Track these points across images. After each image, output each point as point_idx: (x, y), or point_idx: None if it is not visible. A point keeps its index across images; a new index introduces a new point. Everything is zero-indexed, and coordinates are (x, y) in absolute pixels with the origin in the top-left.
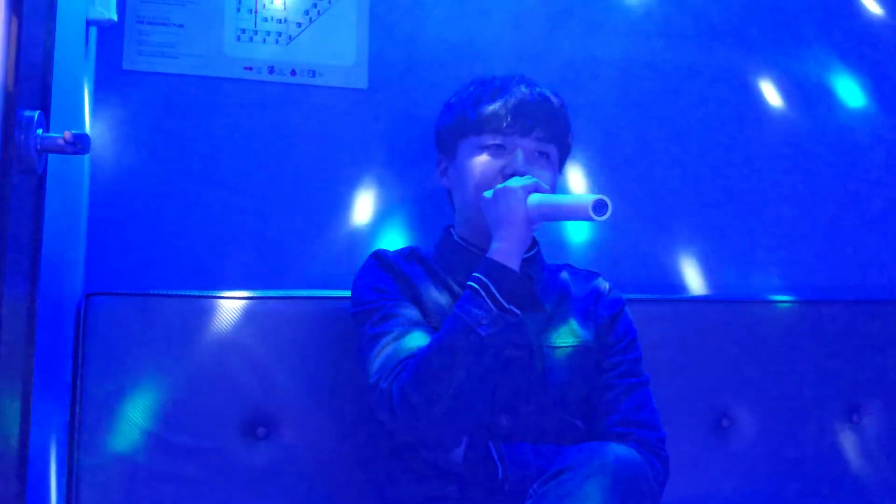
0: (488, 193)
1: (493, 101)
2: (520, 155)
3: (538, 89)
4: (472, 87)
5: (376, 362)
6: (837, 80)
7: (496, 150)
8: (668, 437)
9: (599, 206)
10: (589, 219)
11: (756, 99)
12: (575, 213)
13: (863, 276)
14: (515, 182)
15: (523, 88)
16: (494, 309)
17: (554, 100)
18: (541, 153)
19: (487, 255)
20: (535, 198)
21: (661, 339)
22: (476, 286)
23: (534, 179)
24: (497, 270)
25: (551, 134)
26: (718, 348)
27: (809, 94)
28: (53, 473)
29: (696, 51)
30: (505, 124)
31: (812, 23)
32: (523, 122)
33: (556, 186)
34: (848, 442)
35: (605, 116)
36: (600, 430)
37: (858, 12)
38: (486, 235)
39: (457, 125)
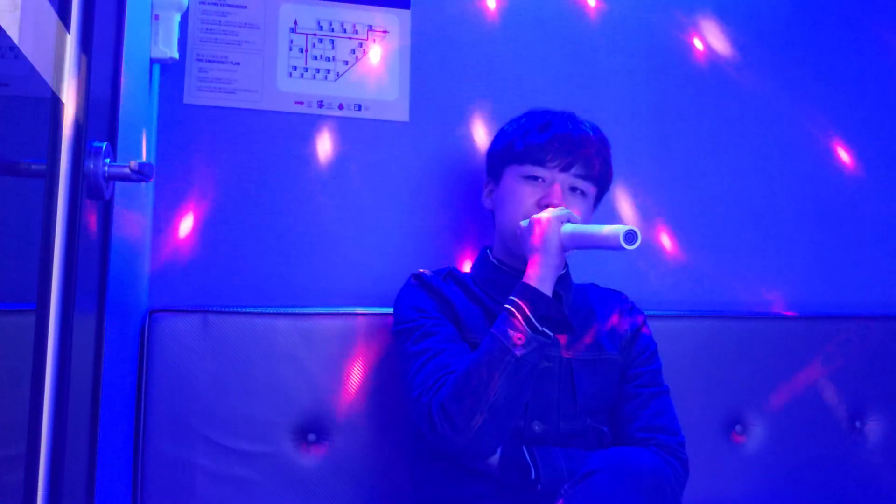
0: (524, 222)
1: (539, 134)
2: (557, 188)
3: (583, 128)
4: (523, 119)
5: (417, 377)
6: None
7: (536, 181)
8: (686, 442)
9: (630, 237)
10: (619, 248)
11: (772, 120)
12: (606, 242)
13: (865, 294)
14: (550, 213)
15: (569, 126)
16: (529, 331)
17: (596, 140)
18: (577, 189)
19: (523, 279)
20: (568, 227)
21: (679, 351)
22: (512, 308)
23: (567, 210)
24: (531, 294)
25: (589, 172)
26: (732, 360)
27: (820, 118)
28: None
29: (715, 74)
30: (546, 158)
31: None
32: (564, 158)
33: (590, 221)
34: (851, 447)
35: (629, 141)
36: (625, 435)
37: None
38: (520, 258)
39: (504, 152)
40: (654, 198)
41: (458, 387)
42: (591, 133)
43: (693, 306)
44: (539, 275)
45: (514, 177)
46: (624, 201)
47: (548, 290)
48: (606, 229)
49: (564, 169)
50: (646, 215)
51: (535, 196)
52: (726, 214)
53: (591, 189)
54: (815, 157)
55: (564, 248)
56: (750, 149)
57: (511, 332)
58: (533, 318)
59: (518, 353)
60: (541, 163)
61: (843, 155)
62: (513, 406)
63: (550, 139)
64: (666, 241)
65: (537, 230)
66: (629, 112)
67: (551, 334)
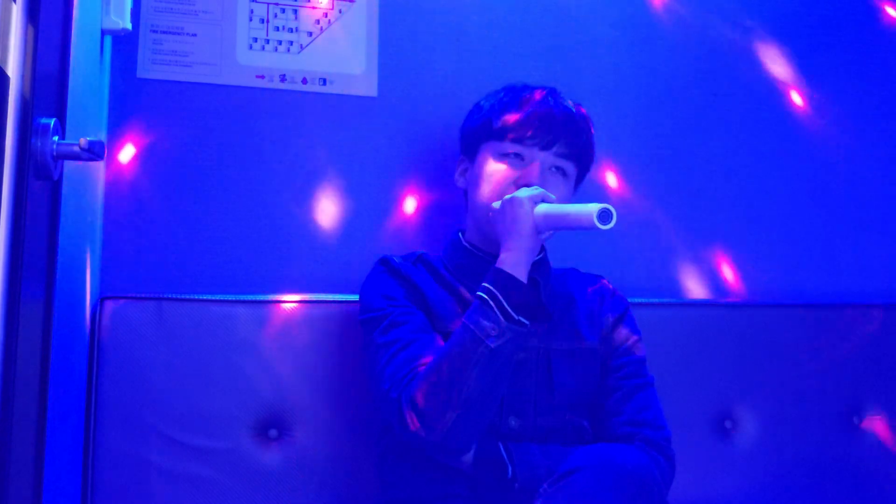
0: (496, 204)
1: (519, 110)
2: (536, 167)
3: (565, 105)
4: (502, 94)
5: (387, 371)
6: (845, 85)
7: (514, 160)
8: (673, 437)
9: (604, 215)
10: (594, 228)
11: (762, 105)
12: (580, 223)
13: (864, 281)
14: (523, 193)
15: (550, 101)
16: (503, 320)
17: (579, 117)
18: (557, 168)
19: (496, 265)
20: (542, 208)
21: (665, 341)
22: (485, 296)
23: (541, 190)
24: (505, 280)
25: (571, 151)
26: (722, 351)
27: (816, 100)
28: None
29: (703, 55)
30: (527, 135)
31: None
32: (545, 135)
33: (570, 203)
34: (848, 443)
35: (611, 120)
36: (607, 430)
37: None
38: (494, 241)
39: (481, 128)
40: (639, 179)
41: (430, 380)
42: (573, 110)
43: (680, 293)
44: (513, 259)
45: (491, 154)
46: (608, 182)
47: (522, 275)
48: (580, 208)
49: (545, 147)
50: (631, 197)
51: (511, 175)
52: (716, 197)
53: (572, 169)
54: (812, 142)
55: (539, 231)
56: (744, 131)
57: (484, 322)
58: (507, 307)
59: (492, 345)
60: (519, 140)
61: (842, 139)
62: (487, 400)
63: (530, 115)
64: (651, 224)
65: (510, 211)
66: (612, 88)
67: (527, 323)
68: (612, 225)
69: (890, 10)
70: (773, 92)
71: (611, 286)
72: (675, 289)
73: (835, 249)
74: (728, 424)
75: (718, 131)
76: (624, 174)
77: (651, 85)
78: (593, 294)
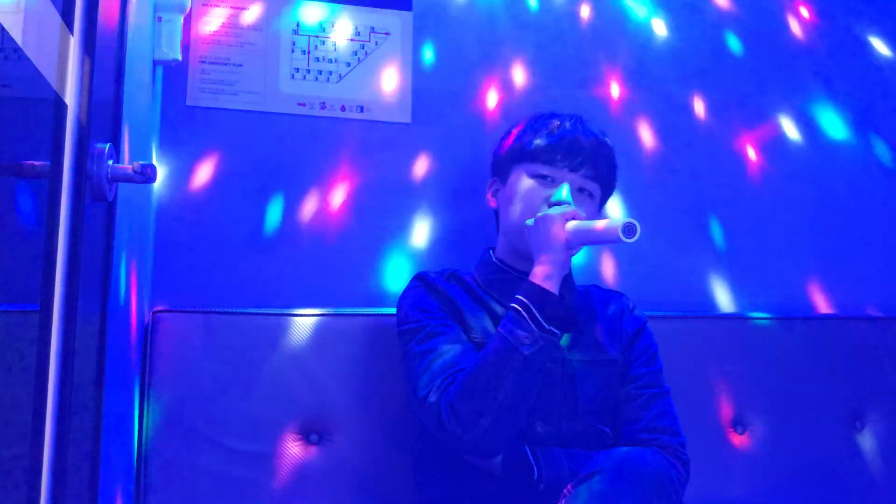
0: (530, 221)
1: (550, 135)
2: (566, 187)
3: (592, 131)
4: (532, 121)
5: (424, 377)
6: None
7: (545, 180)
8: (687, 442)
9: (628, 229)
10: (620, 241)
11: (776, 126)
12: (607, 237)
13: (867, 296)
14: (555, 210)
15: (579, 128)
16: (536, 330)
17: (605, 144)
18: (584, 189)
19: (529, 278)
20: (571, 224)
21: (680, 352)
22: (519, 308)
23: (572, 208)
24: (538, 293)
25: (598, 173)
26: (733, 361)
27: (818, 126)
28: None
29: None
30: (557, 157)
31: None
32: (574, 158)
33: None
34: (851, 448)
35: (633, 142)
36: (626, 435)
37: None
38: (523, 258)
39: (513, 151)
40: (656, 200)
41: (467, 386)
42: (599, 137)
43: (694, 308)
44: (546, 273)
45: (523, 175)
46: (626, 203)
47: (554, 288)
48: (607, 223)
49: (574, 169)
50: (647, 217)
51: (543, 194)
52: (727, 217)
53: (597, 190)
54: (811, 161)
55: (570, 246)
56: (756, 150)
57: (519, 332)
58: (540, 317)
59: (526, 353)
60: (551, 162)
61: (845, 158)
62: (520, 405)
63: (561, 140)
64: (669, 242)
65: (543, 228)
66: (634, 113)
67: (559, 333)
68: (636, 238)
69: None
70: (788, 112)
71: (630, 301)
72: (689, 303)
73: (838, 265)
74: (739, 429)
75: (730, 153)
76: (641, 196)
77: (671, 108)
78: (614, 309)
